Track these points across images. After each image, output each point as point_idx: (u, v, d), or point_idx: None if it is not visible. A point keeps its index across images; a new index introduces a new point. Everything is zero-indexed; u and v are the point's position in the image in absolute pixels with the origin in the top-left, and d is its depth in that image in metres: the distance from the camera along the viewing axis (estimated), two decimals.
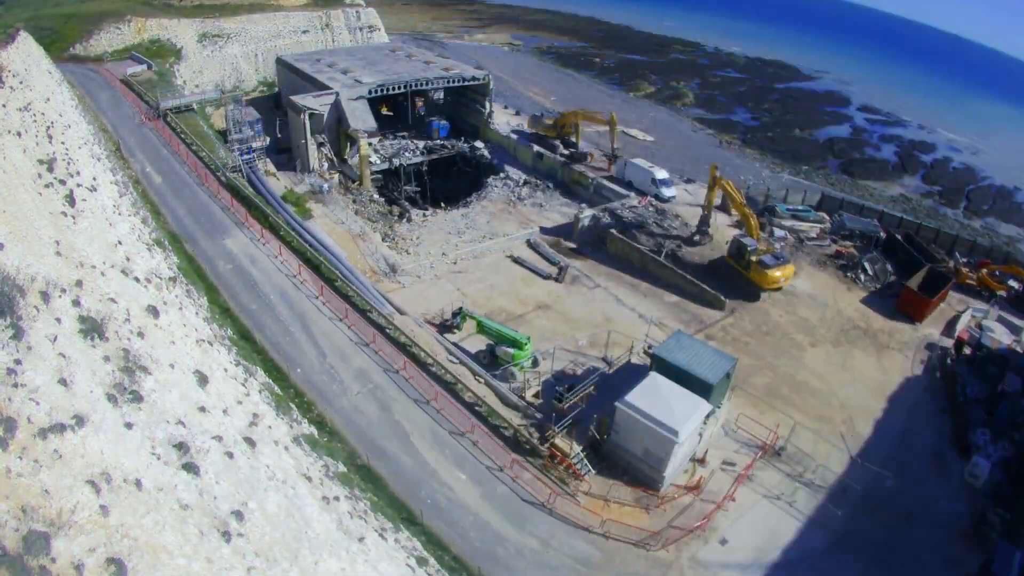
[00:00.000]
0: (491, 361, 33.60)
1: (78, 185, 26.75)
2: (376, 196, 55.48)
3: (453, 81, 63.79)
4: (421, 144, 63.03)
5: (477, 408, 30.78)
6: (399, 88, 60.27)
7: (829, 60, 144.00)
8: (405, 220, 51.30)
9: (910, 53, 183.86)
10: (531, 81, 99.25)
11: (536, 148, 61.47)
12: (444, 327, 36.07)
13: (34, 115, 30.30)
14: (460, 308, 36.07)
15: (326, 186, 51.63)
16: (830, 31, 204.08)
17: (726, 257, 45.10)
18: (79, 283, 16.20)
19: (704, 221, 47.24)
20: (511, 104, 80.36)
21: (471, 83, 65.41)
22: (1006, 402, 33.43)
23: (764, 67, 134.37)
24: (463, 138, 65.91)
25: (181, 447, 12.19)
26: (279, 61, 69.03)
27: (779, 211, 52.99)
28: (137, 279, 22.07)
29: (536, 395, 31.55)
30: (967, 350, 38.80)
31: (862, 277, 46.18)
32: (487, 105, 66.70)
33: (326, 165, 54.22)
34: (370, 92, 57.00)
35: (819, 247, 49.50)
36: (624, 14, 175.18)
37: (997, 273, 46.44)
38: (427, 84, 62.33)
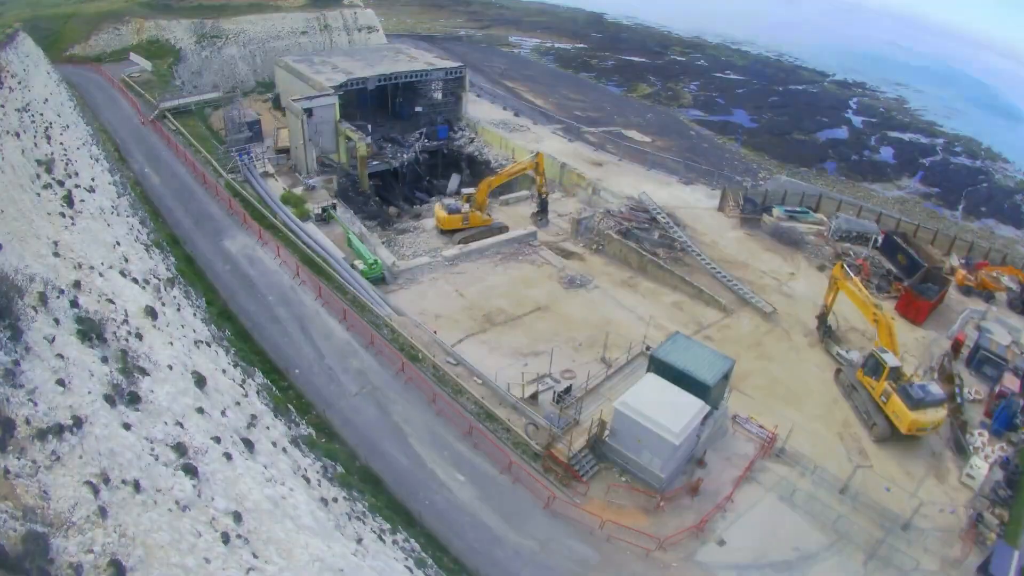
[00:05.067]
0: None
1: (76, 186, 26.75)
2: (374, 196, 55.59)
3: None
4: (419, 145, 63.19)
5: (475, 410, 30.78)
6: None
7: (827, 61, 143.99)
8: (403, 220, 51.38)
9: (908, 55, 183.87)
10: (532, 82, 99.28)
11: (535, 150, 61.48)
12: None
13: (33, 116, 30.34)
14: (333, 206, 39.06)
15: (323, 187, 51.62)
16: (830, 32, 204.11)
17: (857, 374, 33.77)
18: (77, 284, 16.20)
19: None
20: (510, 106, 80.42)
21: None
22: (1004, 403, 33.49)
23: (763, 68, 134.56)
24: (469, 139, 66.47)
25: (179, 448, 12.18)
26: (277, 62, 69.13)
27: (776, 212, 53.10)
28: (135, 280, 22.07)
29: (534, 396, 31.55)
30: (965, 351, 38.90)
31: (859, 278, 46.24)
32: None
33: (322, 165, 54.31)
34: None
35: (817, 248, 49.63)
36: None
37: (995, 274, 46.56)
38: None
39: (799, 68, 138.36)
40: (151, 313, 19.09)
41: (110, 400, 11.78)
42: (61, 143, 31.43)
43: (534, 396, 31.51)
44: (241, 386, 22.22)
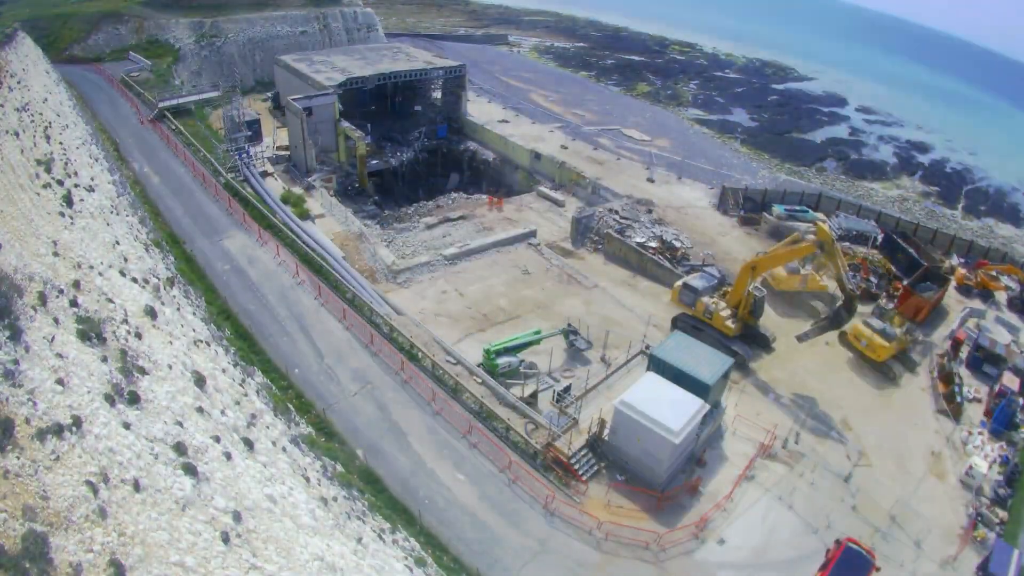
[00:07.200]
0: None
1: (76, 185, 26.75)
2: (374, 196, 55.58)
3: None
4: (418, 144, 63.21)
5: (475, 409, 30.79)
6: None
7: (825, 60, 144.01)
8: (403, 220, 51.31)
9: (907, 54, 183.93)
10: (531, 81, 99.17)
11: (534, 149, 61.55)
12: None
13: (32, 115, 30.34)
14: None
15: (322, 186, 51.61)
16: (824, 31, 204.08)
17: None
18: (77, 284, 16.20)
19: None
20: (509, 105, 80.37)
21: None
22: (1003, 402, 33.53)
23: (762, 68, 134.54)
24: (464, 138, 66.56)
25: (179, 447, 12.20)
26: (277, 61, 69.09)
27: (776, 210, 53.09)
28: (135, 279, 22.06)
29: (534, 395, 31.55)
30: (965, 350, 38.92)
31: (859, 277, 46.22)
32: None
33: (322, 163, 54.26)
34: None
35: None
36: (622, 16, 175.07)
37: (994, 273, 46.59)
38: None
39: (798, 67, 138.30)
40: (150, 312, 19.09)
41: (110, 399, 11.79)
42: (60, 142, 31.43)
43: (533, 395, 31.51)
44: (241, 385, 22.22)
